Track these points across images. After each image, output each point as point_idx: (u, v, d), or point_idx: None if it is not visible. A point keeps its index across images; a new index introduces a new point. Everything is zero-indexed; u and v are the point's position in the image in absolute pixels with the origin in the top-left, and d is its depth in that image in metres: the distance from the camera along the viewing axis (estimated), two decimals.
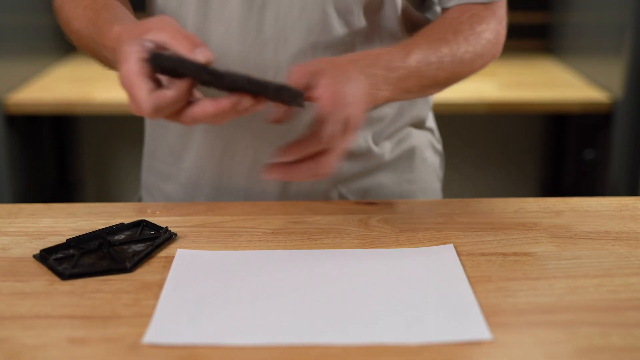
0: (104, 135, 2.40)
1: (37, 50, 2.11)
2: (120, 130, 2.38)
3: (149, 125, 1.04)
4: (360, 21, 0.92)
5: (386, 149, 1.00)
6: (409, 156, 1.03)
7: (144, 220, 0.84)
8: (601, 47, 1.98)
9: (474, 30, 0.90)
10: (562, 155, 2.33)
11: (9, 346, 0.61)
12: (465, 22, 0.91)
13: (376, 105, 0.86)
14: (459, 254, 0.78)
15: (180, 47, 0.71)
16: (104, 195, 2.44)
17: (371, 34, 0.93)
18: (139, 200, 1.09)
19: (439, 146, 1.11)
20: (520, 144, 2.45)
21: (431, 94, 0.97)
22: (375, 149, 0.99)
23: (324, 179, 0.95)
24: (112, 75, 2.26)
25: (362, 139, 0.97)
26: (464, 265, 0.75)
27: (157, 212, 0.89)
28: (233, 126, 0.92)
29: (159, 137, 1.01)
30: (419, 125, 1.05)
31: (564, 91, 1.98)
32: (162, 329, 0.63)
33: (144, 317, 0.65)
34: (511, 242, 0.81)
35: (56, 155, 2.30)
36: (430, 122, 1.08)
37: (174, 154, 0.99)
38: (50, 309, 0.67)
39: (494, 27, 0.93)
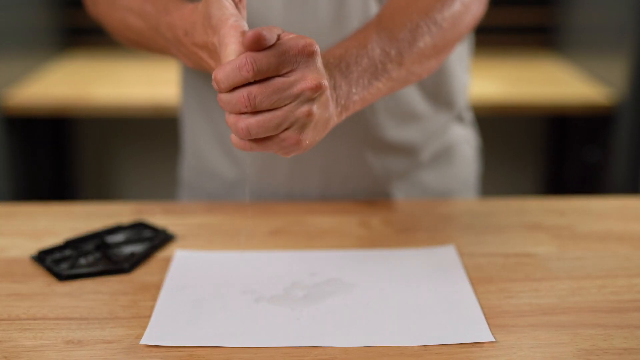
0: (102, 136, 2.40)
1: (33, 48, 2.10)
2: (119, 131, 2.38)
3: (191, 122, 1.00)
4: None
5: (428, 145, 0.98)
6: (448, 152, 1.01)
7: (143, 221, 0.84)
8: (605, 45, 1.97)
9: None
10: (564, 154, 2.32)
11: (6, 348, 0.61)
12: None
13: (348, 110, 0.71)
14: (460, 254, 0.77)
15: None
16: (102, 196, 2.44)
17: None
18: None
19: (476, 140, 1.08)
20: (522, 144, 2.44)
21: (432, 66, 0.78)
22: (419, 146, 0.97)
23: (369, 180, 0.94)
24: (109, 75, 2.24)
25: (409, 135, 0.95)
26: (465, 266, 0.75)
27: (156, 213, 0.88)
28: None
29: (209, 131, 0.98)
30: (458, 119, 1.02)
31: (567, 90, 1.97)
32: (160, 330, 0.63)
33: (142, 319, 0.65)
34: (513, 243, 0.80)
35: (54, 156, 2.29)
36: (467, 114, 1.05)
37: (224, 146, 0.97)
38: (47, 311, 0.66)
39: None
